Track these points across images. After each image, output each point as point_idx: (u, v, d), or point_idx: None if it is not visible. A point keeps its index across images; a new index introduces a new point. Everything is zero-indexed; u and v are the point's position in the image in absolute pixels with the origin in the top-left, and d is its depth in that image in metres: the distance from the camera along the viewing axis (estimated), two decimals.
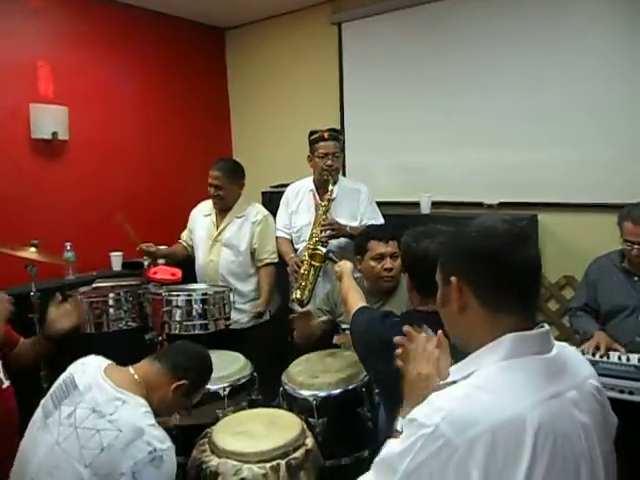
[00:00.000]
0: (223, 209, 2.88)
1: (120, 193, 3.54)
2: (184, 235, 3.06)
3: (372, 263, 2.14)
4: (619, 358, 2.08)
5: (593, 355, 2.12)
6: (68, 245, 3.03)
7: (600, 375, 1.87)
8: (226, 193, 2.84)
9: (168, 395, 1.55)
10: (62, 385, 1.51)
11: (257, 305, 2.80)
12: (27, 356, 1.99)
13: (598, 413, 0.92)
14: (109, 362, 1.58)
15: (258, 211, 2.91)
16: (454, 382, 0.90)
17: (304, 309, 2.42)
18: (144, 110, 3.75)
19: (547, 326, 0.95)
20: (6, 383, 1.77)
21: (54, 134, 3.11)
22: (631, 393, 1.86)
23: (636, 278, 2.29)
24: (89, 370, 1.52)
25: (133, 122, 3.68)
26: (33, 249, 2.42)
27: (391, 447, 0.88)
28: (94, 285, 2.50)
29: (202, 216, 2.96)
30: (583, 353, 2.14)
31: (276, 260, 2.87)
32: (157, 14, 3.78)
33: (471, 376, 0.89)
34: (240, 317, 2.79)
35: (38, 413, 1.50)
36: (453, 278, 0.96)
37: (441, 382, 0.94)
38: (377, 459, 0.93)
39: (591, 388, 0.93)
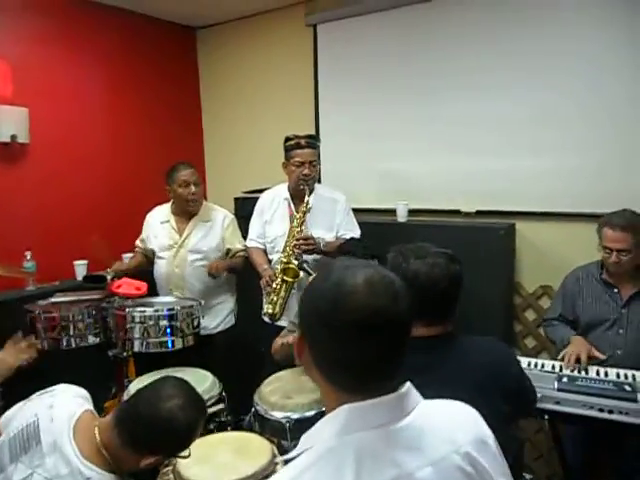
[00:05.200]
0: (196, 212, 2.82)
1: (84, 199, 3.38)
2: (139, 243, 2.96)
3: None
4: (597, 373, 2.04)
5: (572, 370, 2.07)
6: (28, 254, 2.87)
7: (578, 393, 1.87)
8: (202, 191, 2.86)
9: (139, 466, 1.32)
10: (24, 432, 1.30)
11: (215, 264, 2.72)
12: None
13: None
14: (82, 409, 1.38)
15: (225, 215, 2.93)
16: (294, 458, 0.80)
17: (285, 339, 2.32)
18: (110, 112, 3.59)
19: (407, 386, 0.84)
20: None
21: (13, 137, 2.95)
22: (610, 412, 1.81)
23: (615, 290, 2.26)
24: (58, 419, 1.32)
25: (99, 124, 3.51)
26: None
27: None
28: (52, 300, 2.37)
29: (159, 223, 2.88)
30: (561, 369, 2.10)
31: (245, 255, 2.86)
32: (124, 11, 3.62)
33: (302, 455, 0.79)
34: (208, 323, 2.78)
35: None
36: (297, 332, 0.87)
37: (281, 457, 0.88)
38: None
39: (457, 461, 0.80)
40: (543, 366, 2.15)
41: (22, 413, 1.39)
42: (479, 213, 3.02)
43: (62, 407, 1.37)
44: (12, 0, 3.05)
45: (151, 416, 1.31)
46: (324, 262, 2.52)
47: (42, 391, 1.48)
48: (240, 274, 2.95)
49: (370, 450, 0.76)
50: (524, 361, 2.17)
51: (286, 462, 0.84)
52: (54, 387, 1.49)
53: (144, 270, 2.88)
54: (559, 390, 1.93)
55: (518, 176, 2.88)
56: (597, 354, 2.13)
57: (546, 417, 1.93)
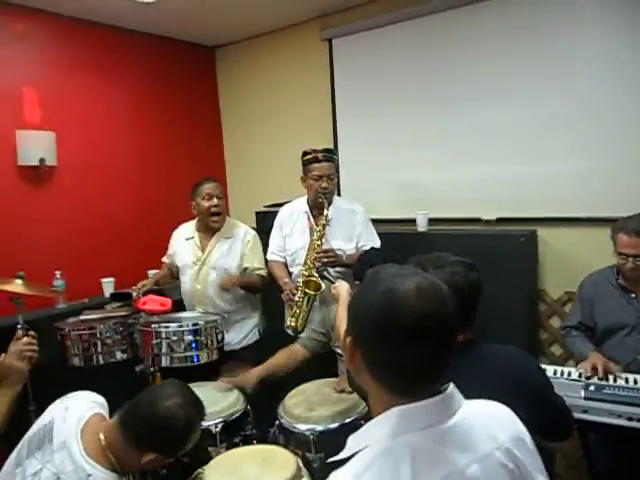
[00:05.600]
0: (219, 227, 2.83)
1: (112, 218, 3.48)
2: (166, 259, 3.00)
3: None
4: (626, 381, 2.00)
5: (600, 379, 2.03)
6: (58, 273, 2.96)
7: (606, 402, 1.83)
8: (225, 205, 2.85)
9: (140, 464, 1.40)
10: (41, 431, 1.42)
11: (230, 278, 2.70)
12: None
13: None
14: (92, 412, 1.47)
15: (246, 231, 2.90)
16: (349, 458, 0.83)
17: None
18: (135, 133, 3.69)
19: (451, 387, 0.87)
20: None
21: (41, 160, 3.06)
22: None
23: (633, 295, 2.22)
24: (69, 420, 1.42)
25: (124, 146, 3.62)
26: (19, 281, 2.35)
27: None
28: (82, 317, 2.43)
29: (184, 240, 2.90)
30: (581, 375, 2.07)
31: (265, 273, 2.83)
32: (145, 35, 3.74)
33: (356, 456, 0.82)
34: (231, 339, 2.76)
35: (13, 454, 1.42)
36: (348, 338, 0.89)
37: (332, 458, 0.88)
38: None
39: (500, 458, 0.84)
40: (570, 374, 2.11)
41: (45, 415, 1.50)
42: (500, 220, 3.01)
43: (75, 410, 1.46)
44: (38, 27, 3.18)
45: (151, 414, 1.39)
46: (371, 272, 2.51)
47: (65, 395, 1.58)
48: (263, 290, 2.90)
49: (424, 449, 0.80)
50: (550, 369, 2.14)
51: (335, 463, 0.86)
52: (76, 392, 1.59)
53: (171, 287, 2.91)
54: (586, 399, 1.90)
55: (538, 182, 2.87)
56: (613, 369, 2.07)
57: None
